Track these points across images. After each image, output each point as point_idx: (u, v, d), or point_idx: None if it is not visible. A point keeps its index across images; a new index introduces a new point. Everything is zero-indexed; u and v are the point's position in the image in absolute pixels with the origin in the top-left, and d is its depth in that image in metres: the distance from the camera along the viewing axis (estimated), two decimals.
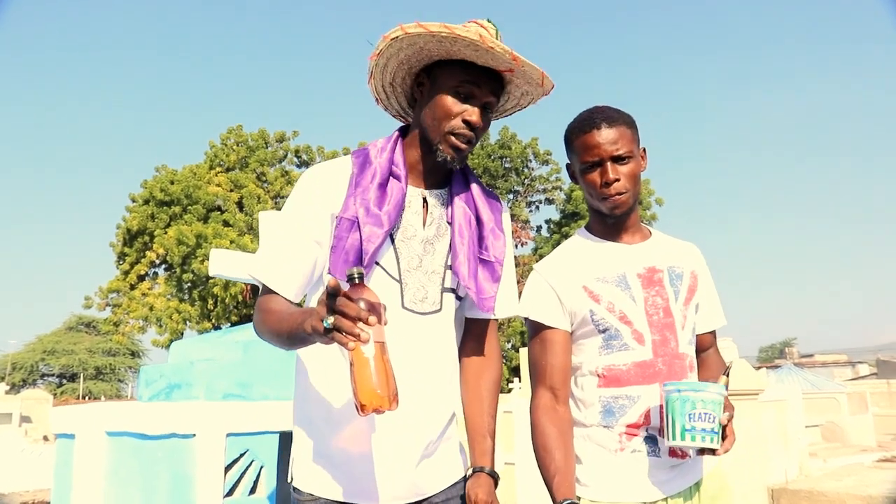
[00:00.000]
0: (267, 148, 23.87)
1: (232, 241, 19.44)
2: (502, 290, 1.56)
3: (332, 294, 1.11)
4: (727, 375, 1.56)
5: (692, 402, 1.45)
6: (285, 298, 1.43)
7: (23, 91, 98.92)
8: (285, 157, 24.34)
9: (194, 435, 2.55)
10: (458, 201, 1.53)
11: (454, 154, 1.46)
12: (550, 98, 1.58)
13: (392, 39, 1.40)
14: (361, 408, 1.16)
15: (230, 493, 2.59)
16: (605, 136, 1.60)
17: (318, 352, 1.40)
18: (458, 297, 1.55)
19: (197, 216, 20.96)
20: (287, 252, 1.44)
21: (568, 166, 1.76)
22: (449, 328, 1.54)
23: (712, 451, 1.48)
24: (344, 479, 1.45)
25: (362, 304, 1.13)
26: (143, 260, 21.45)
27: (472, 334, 1.62)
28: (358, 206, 1.41)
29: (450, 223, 1.52)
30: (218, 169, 23.17)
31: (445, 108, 1.44)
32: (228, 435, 2.60)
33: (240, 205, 22.13)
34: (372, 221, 1.40)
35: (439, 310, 1.49)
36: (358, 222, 1.40)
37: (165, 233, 20.35)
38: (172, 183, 21.30)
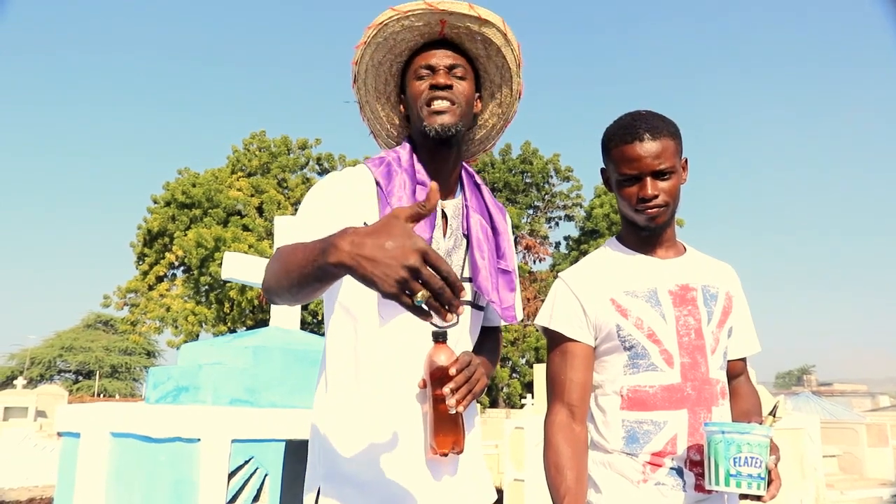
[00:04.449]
0: (289, 154, 24.05)
1: (251, 246, 19.54)
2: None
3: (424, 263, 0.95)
4: (774, 415, 1.45)
5: (737, 444, 1.34)
6: None
7: (47, 91, 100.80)
8: (307, 164, 24.51)
9: (199, 439, 2.52)
10: (473, 213, 1.51)
11: (435, 119, 1.43)
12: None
13: (354, 63, 1.52)
14: (432, 450, 1.35)
15: (233, 500, 2.55)
16: (648, 149, 1.49)
17: (356, 368, 1.41)
18: (479, 308, 1.53)
19: (217, 220, 21.12)
20: (317, 226, 1.32)
21: (602, 171, 1.65)
22: (466, 340, 1.51)
23: (757, 498, 1.38)
24: (373, 500, 1.39)
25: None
26: (162, 261, 21.66)
27: (487, 340, 1.62)
28: None
29: (465, 235, 1.50)
30: (240, 173, 23.37)
31: (415, 89, 1.47)
32: (234, 441, 2.57)
33: (260, 210, 22.29)
34: None
35: (456, 323, 1.46)
36: None
37: (185, 235, 20.52)
38: (194, 186, 21.50)
